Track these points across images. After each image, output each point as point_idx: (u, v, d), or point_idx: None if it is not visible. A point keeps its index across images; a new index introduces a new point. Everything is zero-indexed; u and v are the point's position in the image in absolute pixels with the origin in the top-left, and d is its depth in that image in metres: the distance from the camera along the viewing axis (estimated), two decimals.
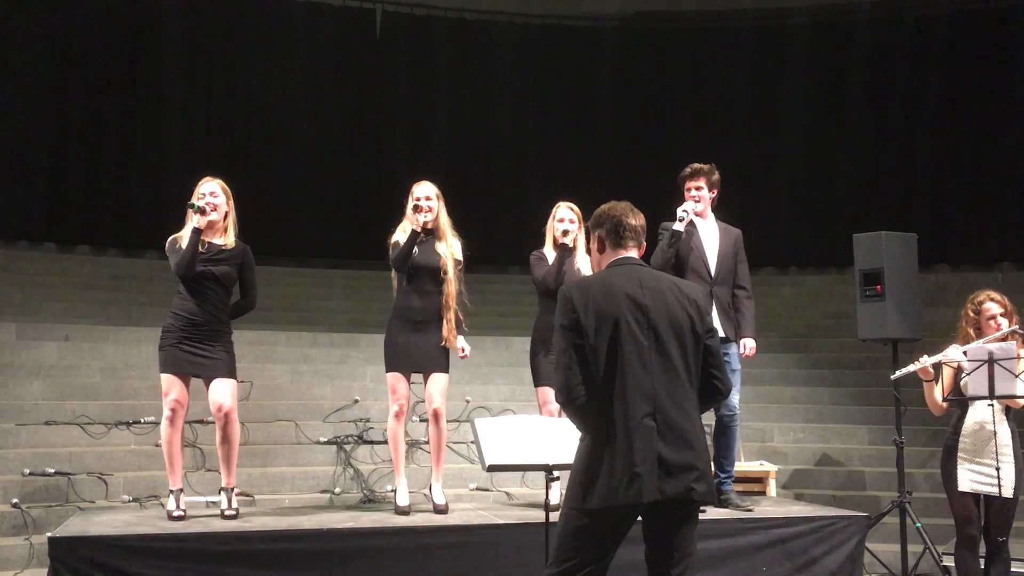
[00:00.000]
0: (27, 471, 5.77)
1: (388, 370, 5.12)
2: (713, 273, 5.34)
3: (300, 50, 11.17)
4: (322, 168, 11.21)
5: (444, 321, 5.09)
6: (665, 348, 3.04)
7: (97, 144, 10.28)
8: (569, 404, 3.06)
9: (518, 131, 11.60)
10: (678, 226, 5.27)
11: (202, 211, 4.81)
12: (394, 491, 5.21)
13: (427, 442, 6.55)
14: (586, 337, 3.04)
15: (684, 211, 5.29)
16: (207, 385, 4.89)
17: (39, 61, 9.93)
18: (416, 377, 5.20)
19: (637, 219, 3.27)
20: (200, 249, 4.81)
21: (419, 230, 5.05)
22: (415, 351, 5.05)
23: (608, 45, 11.72)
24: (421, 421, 6.76)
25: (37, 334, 7.58)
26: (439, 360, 5.10)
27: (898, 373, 5.12)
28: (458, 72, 11.55)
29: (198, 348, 4.81)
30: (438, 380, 5.09)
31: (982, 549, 4.72)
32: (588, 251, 5.15)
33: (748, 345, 5.38)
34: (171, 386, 4.79)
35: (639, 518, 3.10)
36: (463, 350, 5.18)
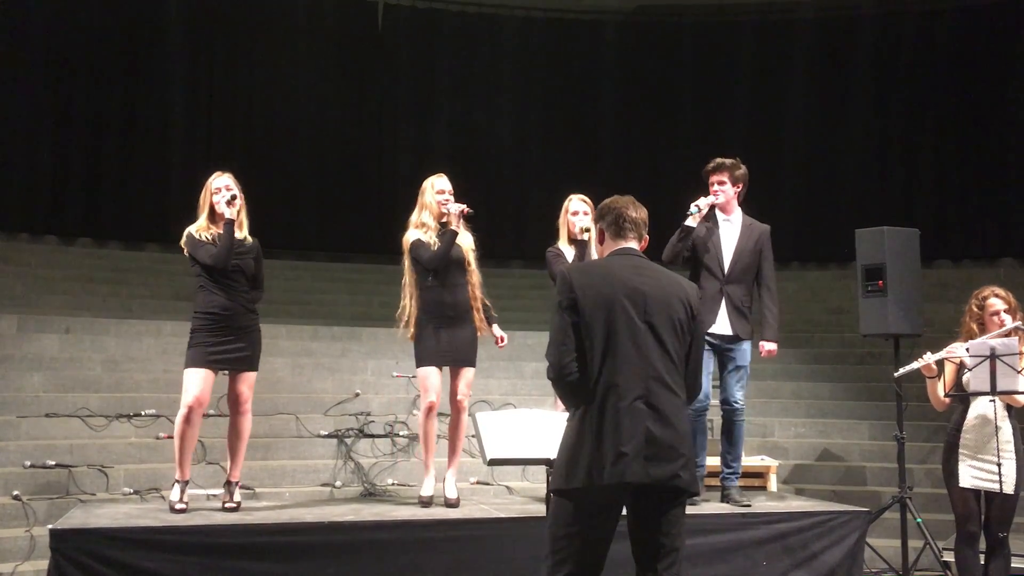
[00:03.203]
0: (28, 463, 5.78)
1: (420, 365, 5.08)
2: (726, 271, 5.28)
3: (302, 43, 11.14)
4: (324, 161, 11.19)
5: (475, 311, 5.13)
6: (660, 335, 3.08)
7: (98, 137, 10.27)
8: (560, 380, 3.10)
9: (520, 125, 11.57)
10: (689, 222, 5.23)
11: (231, 201, 4.82)
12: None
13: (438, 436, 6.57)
14: (583, 318, 3.07)
15: (696, 206, 5.24)
16: (231, 378, 4.91)
17: (41, 53, 9.91)
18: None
19: (638, 212, 3.30)
20: (214, 242, 4.84)
21: (457, 230, 5.07)
22: (451, 346, 5.05)
23: (611, 39, 11.68)
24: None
25: (38, 326, 7.58)
26: (471, 355, 5.14)
27: (901, 371, 5.11)
28: (460, 66, 11.52)
29: (231, 343, 4.82)
30: (468, 375, 5.13)
31: (982, 545, 4.72)
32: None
33: (767, 348, 5.34)
34: (197, 383, 4.76)
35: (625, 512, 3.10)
36: (502, 338, 5.23)
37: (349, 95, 11.35)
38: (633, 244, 3.26)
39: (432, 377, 5.04)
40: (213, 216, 4.91)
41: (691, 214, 5.23)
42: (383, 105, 11.45)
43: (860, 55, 11.06)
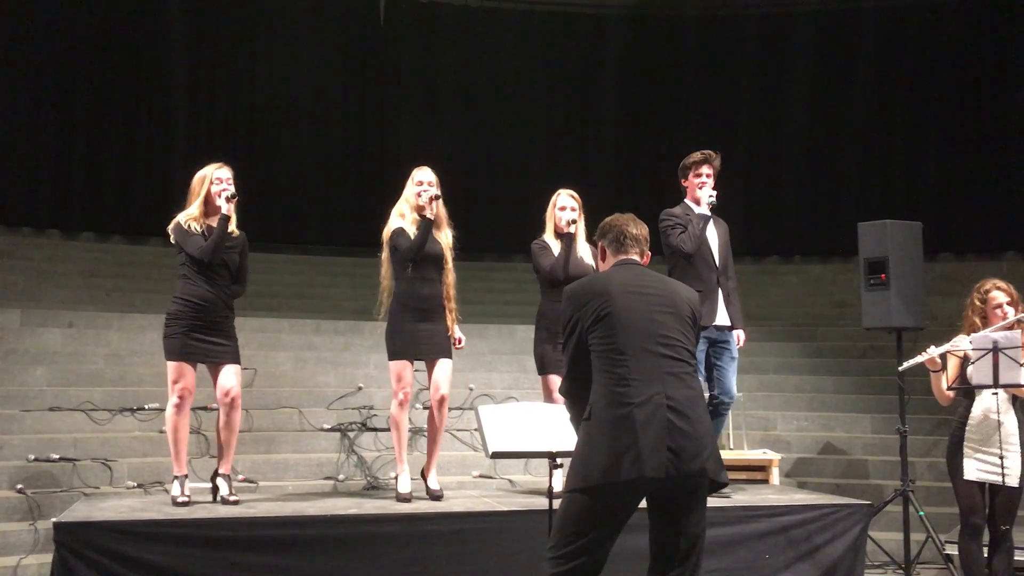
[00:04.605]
0: (32, 457, 5.79)
1: (393, 358, 5.10)
2: (718, 263, 5.36)
3: (304, 36, 11.14)
4: (326, 155, 11.19)
5: (448, 311, 5.12)
6: (669, 332, 3.13)
7: (101, 131, 10.27)
8: (570, 396, 3.25)
9: (522, 119, 11.56)
10: (705, 210, 5.28)
11: (231, 198, 4.83)
12: (396, 478, 5.21)
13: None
14: (592, 331, 3.12)
15: (711, 196, 5.30)
16: (213, 371, 4.91)
17: (43, 48, 9.91)
18: (416, 364, 5.20)
19: (639, 228, 3.36)
20: (205, 233, 4.83)
21: (431, 217, 5.05)
22: (422, 339, 5.05)
23: (613, 33, 11.66)
24: (424, 408, 6.76)
25: (41, 320, 7.59)
26: (446, 347, 5.13)
27: (905, 364, 5.10)
28: (462, 59, 11.51)
29: (207, 335, 4.82)
30: (445, 366, 5.10)
31: (985, 538, 4.72)
32: (588, 239, 5.20)
33: (741, 337, 5.46)
34: (180, 374, 4.79)
35: (644, 505, 3.10)
36: (460, 340, 5.22)
37: (351, 89, 11.35)
38: (635, 258, 3.32)
39: (405, 371, 5.05)
40: (207, 206, 4.90)
41: (710, 203, 5.28)
42: (385, 99, 11.44)
43: (863, 48, 11.03)
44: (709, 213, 5.29)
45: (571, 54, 11.62)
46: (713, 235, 5.41)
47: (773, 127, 11.17)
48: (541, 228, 5.43)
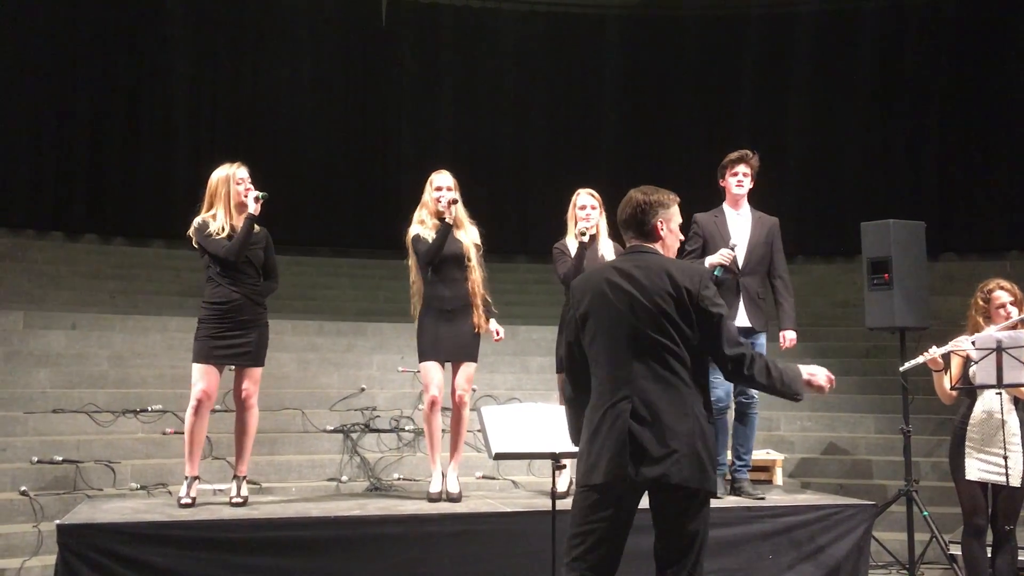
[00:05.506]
0: (35, 459, 5.79)
1: (422, 360, 5.11)
2: (741, 263, 5.27)
3: (305, 38, 11.14)
4: (328, 156, 11.19)
5: (474, 308, 5.14)
6: (648, 331, 3.04)
7: (103, 133, 10.27)
8: (567, 400, 3.33)
9: (523, 120, 11.56)
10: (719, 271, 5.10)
11: (260, 199, 4.85)
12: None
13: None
14: (582, 327, 3.17)
15: (721, 266, 5.13)
16: (237, 372, 4.92)
17: (44, 49, 9.91)
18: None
19: (649, 208, 3.23)
20: (231, 234, 4.84)
21: (451, 223, 5.08)
22: (446, 341, 5.07)
23: (614, 33, 11.66)
24: (419, 410, 6.76)
25: (44, 323, 7.60)
26: (471, 349, 5.16)
27: (907, 364, 5.09)
28: (463, 61, 11.51)
29: (235, 336, 4.82)
30: (468, 369, 5.15)
31: (989, 538, 4.71)
32: (610, 235, 5.21)
33: (788, 337, 5.43)
34: (203, 376, 4.79)
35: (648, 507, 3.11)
36: (497, 332, 5.25)
37: (352, 90, 11.35)
38: (637, 241, 3.25)
39: (433, 371, 5.05)
40: (232, 207, 4.89)
41: (718, 275, 5.09)
42: (387, 99, 11.44)
43: (864, 47, 11.01)
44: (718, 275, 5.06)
45: (572, 55, 11.62)
46: (742, 235, 5.29)
47: (775, 127, 11.15)
48: (549, 229, 5.44)
